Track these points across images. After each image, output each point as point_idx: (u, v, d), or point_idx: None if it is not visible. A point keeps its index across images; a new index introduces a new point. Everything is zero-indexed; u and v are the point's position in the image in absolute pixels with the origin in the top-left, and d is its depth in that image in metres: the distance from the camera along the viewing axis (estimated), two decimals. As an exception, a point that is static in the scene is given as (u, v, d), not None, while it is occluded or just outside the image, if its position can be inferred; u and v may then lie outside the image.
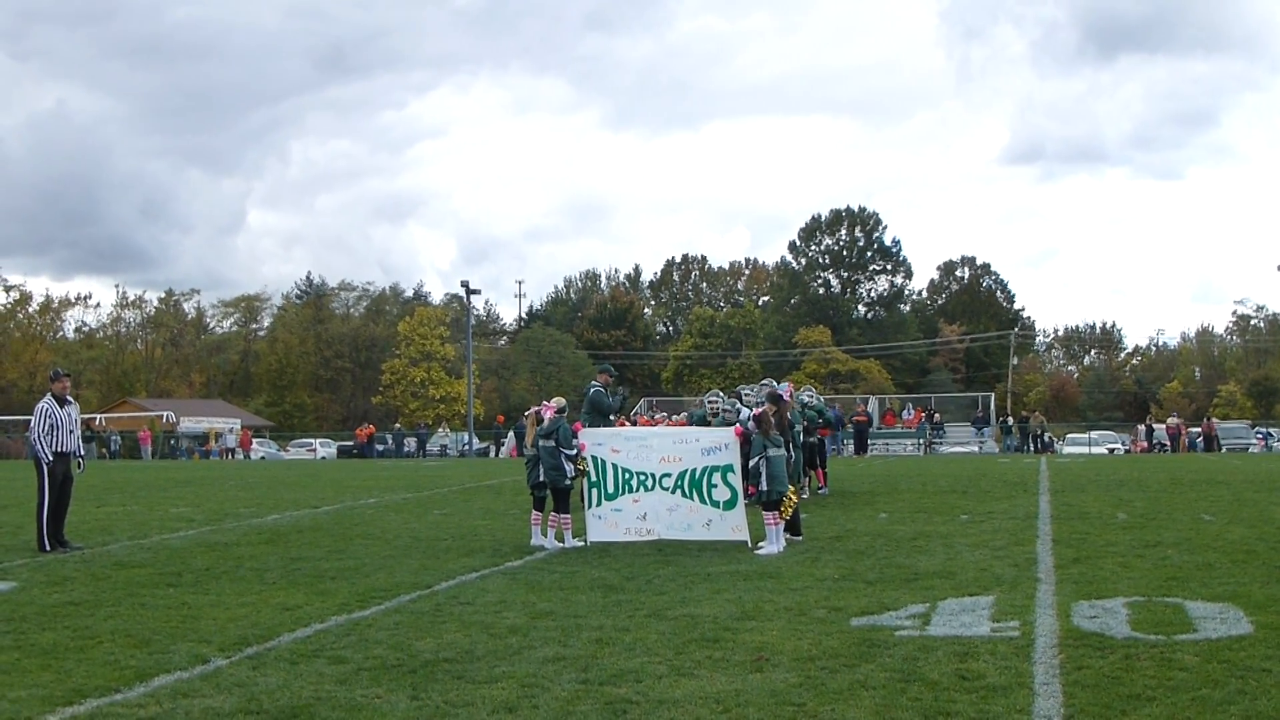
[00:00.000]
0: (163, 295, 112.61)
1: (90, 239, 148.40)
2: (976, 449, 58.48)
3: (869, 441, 54.26)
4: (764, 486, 14.71)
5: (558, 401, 16.22)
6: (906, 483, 27.32)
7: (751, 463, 14.92)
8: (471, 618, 10.20)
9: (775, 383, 20.25)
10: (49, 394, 16.35)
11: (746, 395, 23.21)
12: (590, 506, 16.06)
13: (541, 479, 15.80)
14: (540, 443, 15.81)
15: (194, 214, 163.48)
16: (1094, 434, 65.26)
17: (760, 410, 15.23)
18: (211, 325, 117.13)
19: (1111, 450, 59.37)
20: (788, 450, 15.37)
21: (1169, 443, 58.40)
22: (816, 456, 23.69)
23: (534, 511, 16.16)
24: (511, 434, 60.87)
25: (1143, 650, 8.35)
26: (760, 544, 14.75)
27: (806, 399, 24.50)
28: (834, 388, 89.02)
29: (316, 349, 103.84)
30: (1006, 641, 8.77)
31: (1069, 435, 67.32)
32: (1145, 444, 59.92)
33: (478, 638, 9.30)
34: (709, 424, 21.19)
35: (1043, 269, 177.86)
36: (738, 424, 16.86)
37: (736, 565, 13.32)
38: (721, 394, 23.67)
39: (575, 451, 15.80)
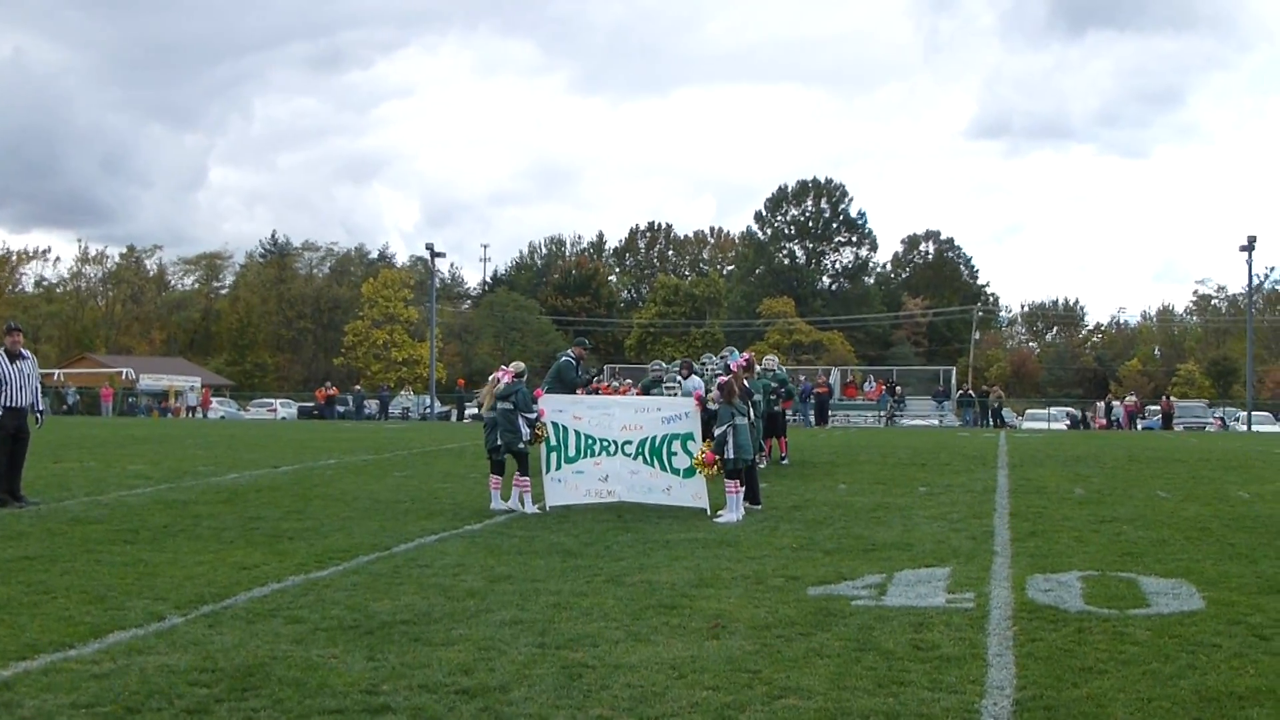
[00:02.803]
0: (124, 251, 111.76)
1: (49, 192, 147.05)
2: (937, 422, 58.75)
3: (830, 413, 54.43)
4: (729, 455, 14.77)
5: (516, 366, 16.20)
6: (866, 454, 27.43)
7: (718, 431, 14.97)
8: (429, 580, 10.20)
9: (736, 351, 20.29)
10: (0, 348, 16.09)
11: (705, 364, 23.29)
12: (549, 471, 16.05)
13: (499, 442, 15.81)
14: (498, 405, 15.81)
15: (155, 169, 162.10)
16: (1053, 410, 65.71)
17: (724, 379, 15.29)
18: (173, 282, 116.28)
19: (1072, 417, 60.00)
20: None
21: (1118, 421, 58.93)
22: (777, 426, 23.76)
23: (493, 475, 16.15)
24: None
25: (1096, 624, 8.43)
26: (720, 512, 14.81)
27: (768, 367, 24.56)
28: (797, 359, 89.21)
29: (279, 309, 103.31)
30: (961, 613, 8.84)
31: (1028, 410, 67.76)
32: (1104, 421, 60.41)
33: (435, 600, 9.30)
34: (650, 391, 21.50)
35: (1007, 244, 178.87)
36: (696, 391, 16.94)
37: (695, 533, 13.36)
38: (663, 363, 23.78)
39: (535, 416, 15.80)
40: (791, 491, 18.23)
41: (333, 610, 8.89)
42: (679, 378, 20.45)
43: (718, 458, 14.86)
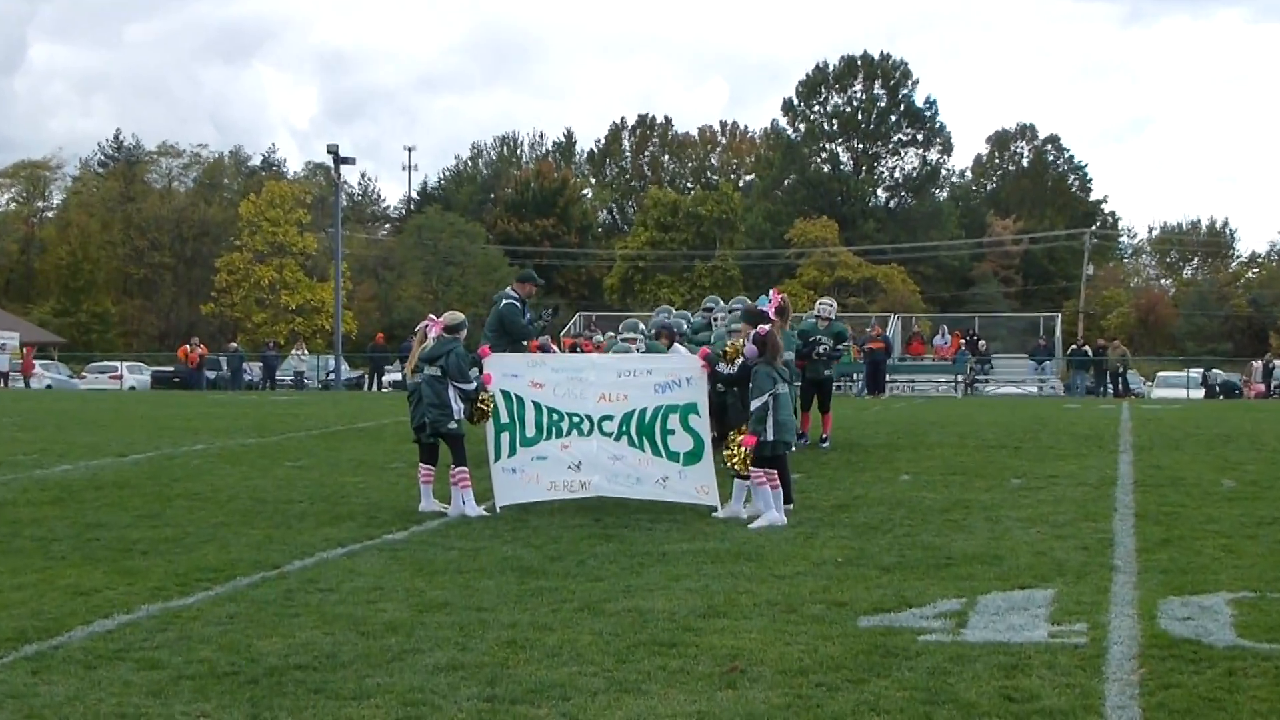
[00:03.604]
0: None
1: None
2: (1035, 389, 58.86)
3: (888, 376, 54.44)
4: (769, 436, 14.71)
5: (450, 316, 16.12)
6: (938, 434, 27.47)
7: (755, 403, 14.80)
8: (335, 609, 10.21)
9: (748, 299, 20.24)
10: None
11: (712, 310, 23.12)
12: (499, 458, 16.02)
13: (425, 420, 15.78)
14: (424, 370, 15.76)
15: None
16: (1193, 372, 65.84)
17: (764, 328, 15.07)
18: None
19: (1216, 381, 60.15)
20: None
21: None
22: (819, 395, 23.73)
23: (422, 465, 16.15)
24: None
25: (1252, 664, 8.46)
26: (722, 508, 14.96)
27: (823, 314, 24.40)
28: (842, 302, 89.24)
29: (125, 237, 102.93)
30: (1070, 650, 8.86)
31: (1160, 373, 67.83)
32: (1261, 387, 60.55)
33: (343, 637, 9.31)
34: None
35: (1130, 145, 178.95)
36: (704, 346, 16.83)
37: (703, 541, 13.38)
38: (671, 308, 23.53)
39: (474, 386, 15.75)
40: (835, 485, 18.26)
41: (202, 651, 8.89)
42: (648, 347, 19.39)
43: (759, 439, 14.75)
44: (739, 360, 15.23)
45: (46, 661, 8.65)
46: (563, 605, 10.34)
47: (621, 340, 18.51)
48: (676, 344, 19.57)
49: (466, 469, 15.65)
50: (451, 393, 15.66)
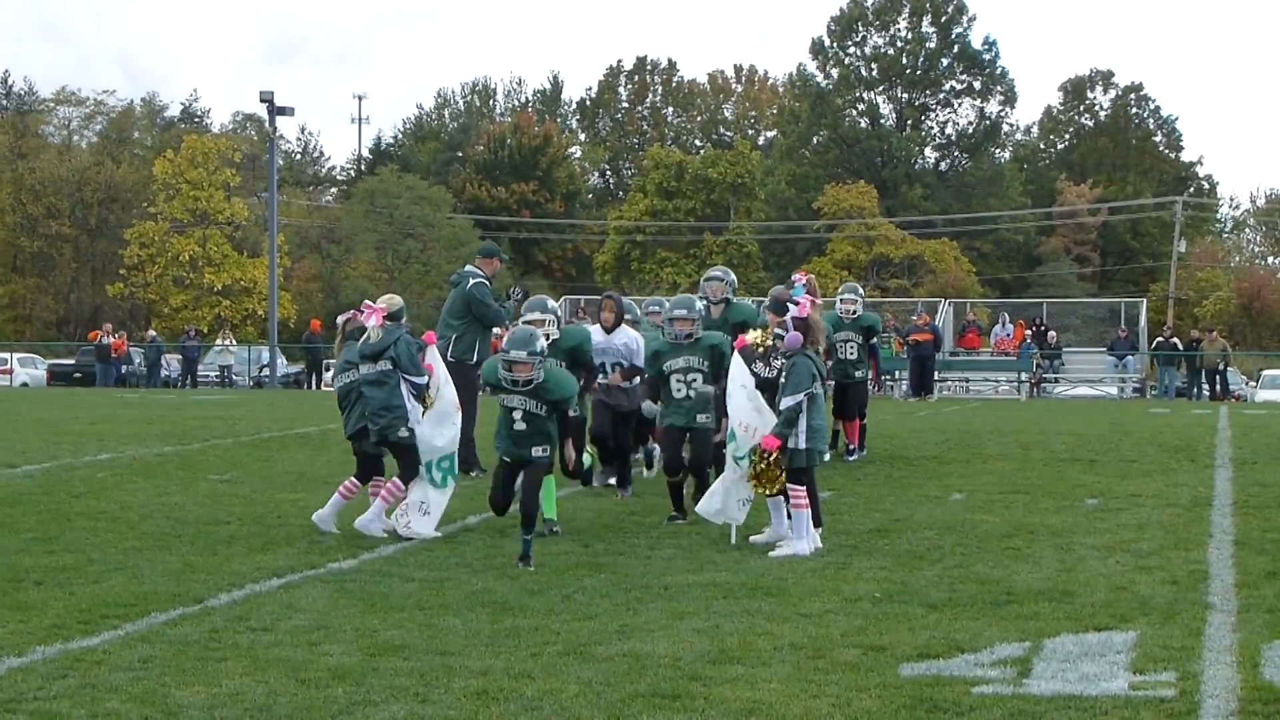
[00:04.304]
0: None
1: None
2: (1115, 391, 58.87)
3: (936, 374, 54.42)
4: (800, 444, 14.68)
5: (390, 301, 15.99)
6: (997, 443, 27.51)
7: (787, 402, 14.64)
8: (269, 653, 10.22)
9: (726, 270, 20.22)
10: None
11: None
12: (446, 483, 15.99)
13: (374, 426, 15.74)
14: (361, 368, 15.72)
15: None
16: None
17: (805, 308, 14.93)
18: None
19: None
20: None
21: None
22: (851, 399, 23.78)
23: (354, 479, 16.12)
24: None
25: (1376, 723, 8.48)
26: (766, 530, 14.95)
27: (847, 307, 24.36)
28: (882, 284, 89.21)
29: (15, 203, 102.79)
30: (1155, 704, 8.86)
31: (1267, 371, 67.78)
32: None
33: (279, 686, 9.31)
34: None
35: (1230, 96, 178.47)
36: (742, 335, 16.75)
37: (712, 573, 13.39)
38: (665, 300, 23.36)
39: (426, 380, 15.71)
40: (873, 505, 18.30)
41: (109, 702, 8.89)
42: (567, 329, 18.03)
43: (783, 446, 14.62)
44: (778, 362, 15.15)
45: (-79, 714, 8.67)
46: (544, 648, 10.34)
47: (524, 324, 16.75)
48: (625, 327, 19.22)
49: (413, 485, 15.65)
50: (405, 390, 15.60)
